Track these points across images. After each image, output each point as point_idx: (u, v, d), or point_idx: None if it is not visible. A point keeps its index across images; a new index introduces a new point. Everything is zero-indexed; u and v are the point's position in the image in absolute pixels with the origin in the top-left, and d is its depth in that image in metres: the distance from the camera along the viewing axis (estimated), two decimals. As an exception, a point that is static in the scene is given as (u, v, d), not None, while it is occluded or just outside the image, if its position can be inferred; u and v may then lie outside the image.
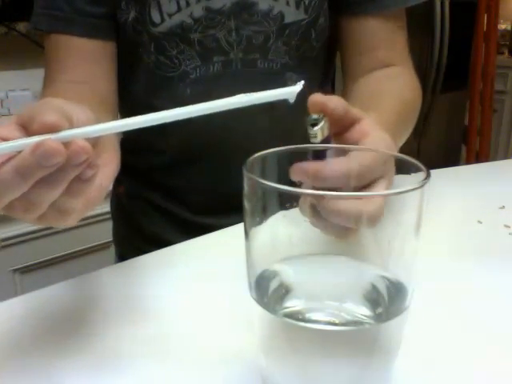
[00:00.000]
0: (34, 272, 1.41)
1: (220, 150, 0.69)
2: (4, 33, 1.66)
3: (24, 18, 1.69)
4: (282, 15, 0.67)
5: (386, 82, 0.68)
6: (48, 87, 0.65)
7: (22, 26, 1.65)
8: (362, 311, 0.32)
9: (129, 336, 0.43)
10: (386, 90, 0.66)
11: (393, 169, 0.32)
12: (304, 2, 0.67)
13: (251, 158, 0.32)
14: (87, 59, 0.65)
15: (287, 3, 0.66)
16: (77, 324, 0.44)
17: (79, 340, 0.42)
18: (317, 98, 0.33)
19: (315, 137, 0.29)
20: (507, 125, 3.02)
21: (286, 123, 0.60)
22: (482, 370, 0.40)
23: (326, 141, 0.30)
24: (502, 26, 3.02)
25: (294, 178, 0.30)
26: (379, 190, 0.32)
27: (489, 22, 2.55)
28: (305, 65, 0.71)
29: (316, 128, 0.29)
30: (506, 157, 2.92)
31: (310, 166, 0.30)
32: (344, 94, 0.72)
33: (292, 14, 0.67)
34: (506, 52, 3.05)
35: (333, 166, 0.30)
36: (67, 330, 0.44)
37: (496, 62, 2.64)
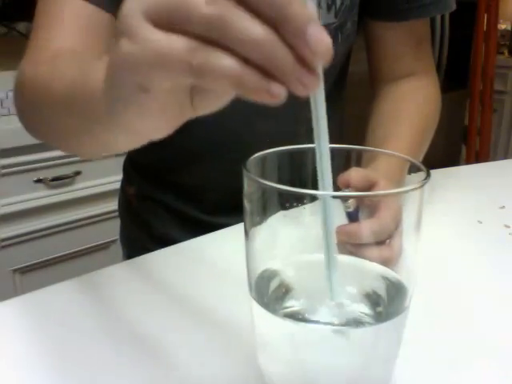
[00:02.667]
0: (33, 272, 1.41)
1: (237, 148, 0.69)
2: (4, 33, 1.66)
3: (24, 18, 1.69)
4: None
5: (406, 100, 0.73)
6: (34, 54, 0.57)
7: (21, 26, 1.66)
8: (362, 311, 0.32)
9: (129, 336, 0.43)
10: (405, 111, 0.71)
11: (401, 216, 0.33)
12: (335, 6, 0.67)
13: (251, 157, 0.32)
14: (83, 27, 0.58)
15: (319, 4, 0.66)
16: (77, 324, 0.44)
17: (79, 340, 0.42)
18: (343, 178, 0.40)
19: (349, 207, 0.35)
20: (507, 125, 3.02)
21: (310, 123, 0.61)
22: (483, 370, 0.40)
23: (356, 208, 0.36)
24: (501, 26, 3.02)
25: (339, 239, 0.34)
26: (395, 241, 0.34)
27: (489, 22, 2.55)
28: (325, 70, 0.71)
29: (350, 200, 0.35)
30: (506, 157, 2.92)
31: (350, 227, 0.37)
32: (373, 97, 0.77)
33: (323, 18, 0.67)
34: (506, 52, 3.05)
35: (364, 226, 0.34)
36: (67, 329, 0.44)
37: (496, 61, 2.64)
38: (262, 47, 0.25)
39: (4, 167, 1.27)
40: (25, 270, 1.40)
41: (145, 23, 0.27)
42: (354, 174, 0.41)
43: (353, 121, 0.87)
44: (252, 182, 0.30)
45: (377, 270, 0.33)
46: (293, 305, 0.32)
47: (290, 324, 0.31)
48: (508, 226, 0.65)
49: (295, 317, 0.31)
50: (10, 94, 1.29)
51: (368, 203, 0.38)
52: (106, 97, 0.33)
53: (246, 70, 0.25)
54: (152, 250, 0.58)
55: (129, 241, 0.86)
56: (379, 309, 0.32)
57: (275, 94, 0.25)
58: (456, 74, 2.62)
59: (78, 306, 0.47)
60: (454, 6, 0.74)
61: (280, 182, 0.28)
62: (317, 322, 0.31)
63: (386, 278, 0.33)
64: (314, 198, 0.28)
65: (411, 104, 0.72)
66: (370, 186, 0.44)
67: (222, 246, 0.58)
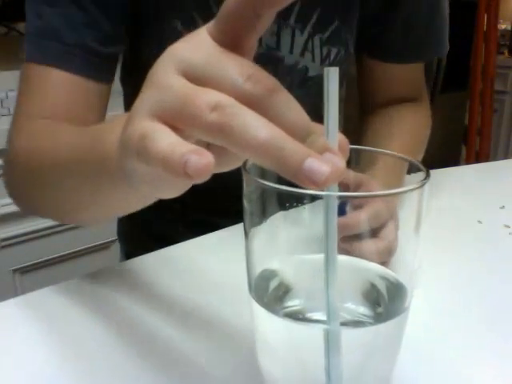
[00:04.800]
0: (34, 272, 1.41)
1: None
2: (4, 33, 1.66)
3: (24, 18, 1.69)
4: (306, 69, 0.68)
5: (399, 122, 0.74)
6: (25, 125, 0.54)
7: (21, 26, 1.66)
8: (362, 311, 0.32)
9: (129, 335, 0.43)
10: (397, 130, 0.72)
11: (396, 209, 0.33)
12: (329, 59, 0.68)
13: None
14: (78, 100, 0.56)
15: (313, 59, 0.67)
16: (77, 324, 0.44)
17: (79, 340, 0.42)
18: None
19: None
20: (507, 125, 3.02)
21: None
22: (483, 370, 0.40)
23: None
24: (501, 26, 3.02)
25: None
26: (389, 231, 0.33)
27: (489, 22, 2.55)
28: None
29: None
30: (506, 157, 2.91)
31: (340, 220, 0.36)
32: (362, 123, 0.77)
33: (316, 69, 0.68)
34: (506, 52, 3.05)
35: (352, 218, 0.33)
36: (67, 330, 0.44)
37: (496, 61, 2.64)
38: (266, 153, 0.24)
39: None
40: (25, 270, 1.40)
41: (151, 123, 0.27)
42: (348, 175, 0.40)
43: (352, 121, 0.87)
44: (251, 182, 0.30)
45: (376, 271, 0.33)
46: (292, 304, 0.32)
47: (289, 324, 0.31)
48: (508, 226, 0.65)
49: (295, 316, 0.31)
50: (10, 94, 1.29)
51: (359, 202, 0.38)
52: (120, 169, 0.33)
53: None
54: (151, 249, 0.58)
55: (127, 237, 0.86)
56: (379, 309, 0.32)
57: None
58: (456, 74, 2.62)
59: (78, 306, 0.47)
60: (447, 50, 0.76)
61: (279, 181, 0.28)
62: (317, 321, 0.31)
63: (385, 279, 0.33)
64: (313, 198, 0.28)
65: (404, 125, 0.73)
66: (358, 186, 0.42)
67: (223, 245, 0.58)
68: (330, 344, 0.29)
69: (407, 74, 0.76)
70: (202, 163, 0.24)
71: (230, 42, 0.27)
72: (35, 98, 0.56)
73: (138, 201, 0.38)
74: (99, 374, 0.39)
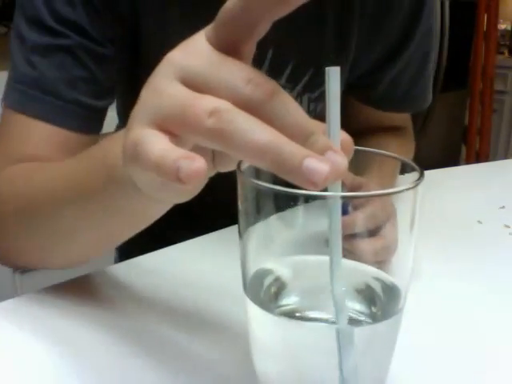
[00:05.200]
0: (34, 272, 1.41)
1: None
2: (4, 33, 1.66)
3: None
4: None
5: (385, 142, 0.74)
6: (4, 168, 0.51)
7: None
8: (357, 310, 0.32)
9: (128, 335, 0.43)
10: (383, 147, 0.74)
11: (394, 211, 0.33)
12: (315, 112, 0.68)
13: None
14: (64, 152, 0.52)
15: (308, 110, 0.67)
16: (77, 324, 0.44)
17: (79, 340, 0.42)
18: None
19: None
20: (507, 125, 3.02)
21: None
22: (478, 372, 0.40)
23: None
24: (501, 26, 3.02)
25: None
26: (387, 230, 0.33)
27: (489, 22, 2.55)
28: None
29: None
30: (506, 157, 2.91)
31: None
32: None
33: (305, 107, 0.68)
34: (506, 52, 3.05)
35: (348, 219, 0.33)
36: (67, 330, 0.44)
37: (496, 61, 2.64)
38: (264, 157, 0.24)
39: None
40: (25, 270, 1.40)
41: (145, 130, 0.27)
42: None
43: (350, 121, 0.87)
44: (246, 183, 0.30)
45: (370, 272, 0.33)
46: (287, 303, 0.32)
47: (284, 322, 0.31)
48: (508, 226, 0.65)
49: (290, 315, 0.31)
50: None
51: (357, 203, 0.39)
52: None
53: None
54: (150, 249, 0.58)
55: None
56: (374, 309, 0.32)
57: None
58: (456, 74, 2.62)
59: (78, 306, 0.47)
60: (429, 103, 0.76)
61: (274, 182, 0.28)
62: (312, 319, 0.31)
63: (380, 280, 0.32)
64: (308, 199, 0.28)
65: (389, 146, 0.74)
66: (356, 187, 0.43)
67: (221, 245, 0.58)
68: (342, 343, 0.29)
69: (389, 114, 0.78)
70: (194, 169, 0.24)
71: (228, 47, 0.27)
72: (14, 144, 0.53)
73: (152, 208, 0.37)
74: (99, 373, 0.39)
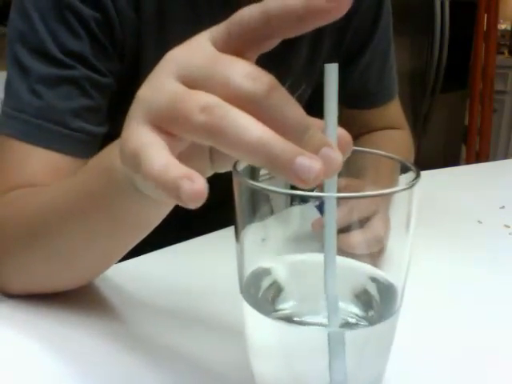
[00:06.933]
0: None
1: None
2: (4, 33, 1.66)
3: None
4: None
5: (384, 141, 0.78)
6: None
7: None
8: (354, 313, 0.32)
9: (127, 336, 0.43)
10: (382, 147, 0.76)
11: (386, 206, 0.32)
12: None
13: None
14: (60, 177, 0.52)
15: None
16: (76, 324, 0.44)
17: (79, 340, 0.42)
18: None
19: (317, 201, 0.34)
20: (507, 125, 3.02)
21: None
22: (477, 372, 0.40)
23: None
24: (501, 26, 3.02)
25: (315, 231, 0.33)
26: (376, 225, 0.33)
27: (489, 22, 2.55)
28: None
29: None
30: (506, 157, 2.92)
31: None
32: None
33: None
34: (506, 52, 3.06)
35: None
36: (67, 330, 0.44)
37: (496, 61, 2.64)
38: (256, 153, 0.24)
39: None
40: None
41: (144, 134, 0.27)
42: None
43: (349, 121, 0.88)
44: (242, 183, 0.30)
45: (366, 272, 0.32)
46: (284, 306, 0.32)
47: (280, 325, 0.31)
48: (508, 226, 0.65)
49: (286, 318, 0.31)
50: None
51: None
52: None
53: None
54: (145, 251, 0.57)
55: None
56: (371, 311, 0.32)
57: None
58: (456, 74, 2.62)
59: (78, 306, 0.47)
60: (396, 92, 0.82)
61: (270, 182, 0.28)
62: (308, 323, 0.31)
63: (376, 280, 0.32)
64: (304, 199, 0.28)
65: (388, 146, 0.76)
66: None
67: (218, 247, 0.58)
68: (332, 344, 0.29)
69: (381, 112, 0.81)
70: (195, 190, 0.24)
71: (232, 52, 0.27)
72: (13, 171, 0.52)
73: (153, 209, 0.37)
74: (99, 373, 0.39)
